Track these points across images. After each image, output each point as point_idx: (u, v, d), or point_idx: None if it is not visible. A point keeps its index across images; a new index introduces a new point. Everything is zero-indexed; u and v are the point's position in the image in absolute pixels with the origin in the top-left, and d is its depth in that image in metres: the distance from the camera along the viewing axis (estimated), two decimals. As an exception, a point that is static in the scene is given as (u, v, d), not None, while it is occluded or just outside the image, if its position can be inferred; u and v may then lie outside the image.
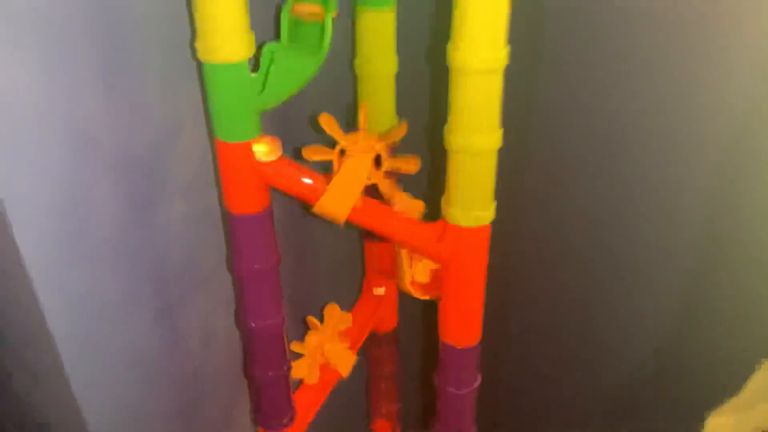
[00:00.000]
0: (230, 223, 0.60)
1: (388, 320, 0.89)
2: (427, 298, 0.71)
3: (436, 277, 0.70)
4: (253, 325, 0.65)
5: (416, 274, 0.70)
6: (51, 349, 0.60)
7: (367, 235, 0.82)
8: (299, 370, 0.78)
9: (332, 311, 0.78)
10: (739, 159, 0.89)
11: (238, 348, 0.79)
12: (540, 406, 1.26)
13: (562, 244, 1.08)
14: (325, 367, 0.79)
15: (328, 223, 0.88)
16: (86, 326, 0.61)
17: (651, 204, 0.97)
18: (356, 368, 1.00)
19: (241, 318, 0.66)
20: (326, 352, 0.78)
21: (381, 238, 0.81)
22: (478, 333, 0.63)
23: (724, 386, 1.03)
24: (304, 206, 0.59)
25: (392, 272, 0.82)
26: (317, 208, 0.57)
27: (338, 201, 0.56)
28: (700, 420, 1.06)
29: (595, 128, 0.96)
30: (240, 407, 0.81)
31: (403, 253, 0.70)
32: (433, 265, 0.69)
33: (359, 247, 0.89)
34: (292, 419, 0.74)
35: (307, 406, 0.78)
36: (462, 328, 0.62)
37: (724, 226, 0.94)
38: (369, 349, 0.92)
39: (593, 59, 0.91)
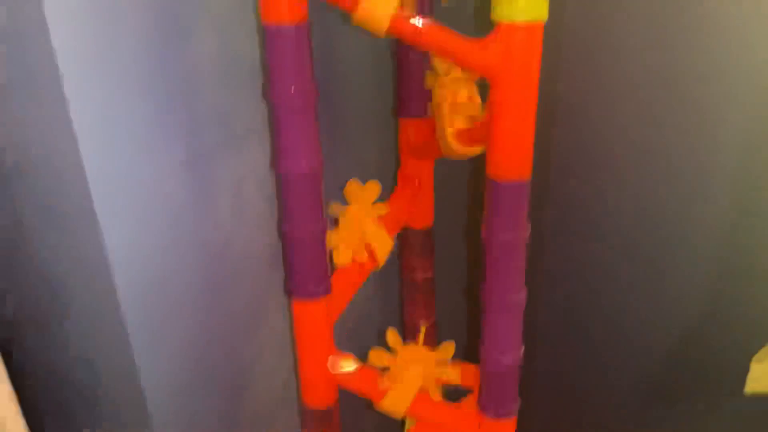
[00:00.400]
0: (266, 39, 0.57)
1: (424, 215, 0.85)
2: (470, 150, 0.68)
3: (479, 125, 0.66)
4: (288, 165, 0.62)
5: (458, 122, 0.67)
6: (78, 176, 0.57)
7: (402, 110, 0.78)
8: (341, 255, 0.74)
9: (353, 186, 0.74)
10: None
11: (270, 228, 0.75)
12: (575, 385, 1.23)
13: (591, 225, 1.08)
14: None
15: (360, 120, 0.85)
16: (114, 156, 0.58)
17: (683, 180, 0.97)
18: (391, 284, 0.96)
19: (276, 160, 0.63)
20: (363, 229, 0.74)
21: (416, 114, 0.78)
22: (529, 163, 0.59)
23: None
24: (345, 16, 0.56)
25: (427, 150, 0.79)
26: (359, 11, 0.54)
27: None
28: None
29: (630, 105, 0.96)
30: (272, 291, 0.77)
31: (444, 106, 0.67)
32: (474, 109, 0.66)
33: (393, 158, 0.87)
34: (327, 291, 0.70)
35: (343, 289, 0.74)
36: (512, 154, 0.58)
37: (755, 197, 0.94)
38: (403, 250, 0.88)
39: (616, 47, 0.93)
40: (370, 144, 0.85)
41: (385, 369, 0.75)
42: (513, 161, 0.59)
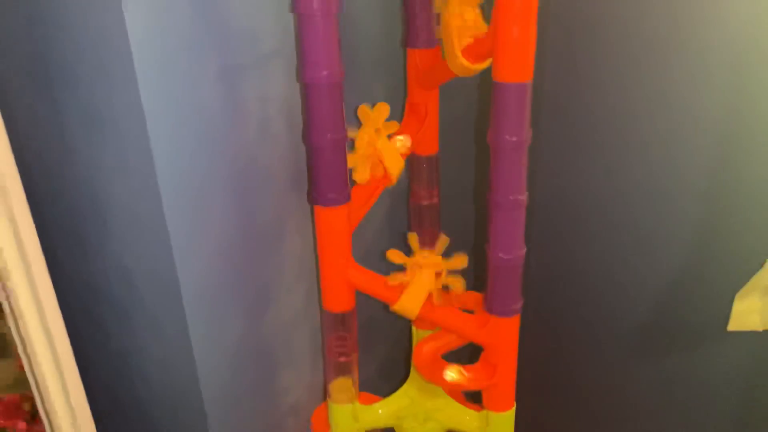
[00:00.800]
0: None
1: (430, 142, 0.91)
2: (477, 66, 0.75)
3: (485, 39, 0.73)
4: (311, 74, 0.68)
5: (465, 39, 0.73)
6: (130, 82, 0.63)
7: (411, 41, 0.85)
8: (359, 173, 0.80)
9: (364, 110, 0.80)
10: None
11: (292, 148, 0.81)
12: (564, 332, 1.29)
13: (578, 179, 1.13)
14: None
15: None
16: (161, 66, 0.64)
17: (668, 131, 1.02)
18: (399, 210, 1.02)
19: (301, 70, 0.69)
20: (377, 147, 0.80)
21: (424, 44, 0.84)
22: (531, 67, 0.66)
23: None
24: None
25: (434, 78, 0.86)
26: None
27: None
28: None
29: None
30: (293, 209, 0.84)
31: (452, 25, 0.74)
32: (479, 27, 0.73)
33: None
34: (346, 199, 0.77)
35: (360, 201, 0.81)
36: (516, 57, 0.65)
37: (738, 144, 0.98)
38: (410, 176, 0.94)
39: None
40: (378, 76, 0.91)
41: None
42: (517, 63, 0.66)
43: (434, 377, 0.85)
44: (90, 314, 0.87)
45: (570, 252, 1.20)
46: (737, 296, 1.07)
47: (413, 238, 0.79)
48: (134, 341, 0.85)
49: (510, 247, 0.75)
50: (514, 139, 0.69)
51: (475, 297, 0.90)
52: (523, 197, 0.73)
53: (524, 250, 0.77)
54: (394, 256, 0.78)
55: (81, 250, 0.81)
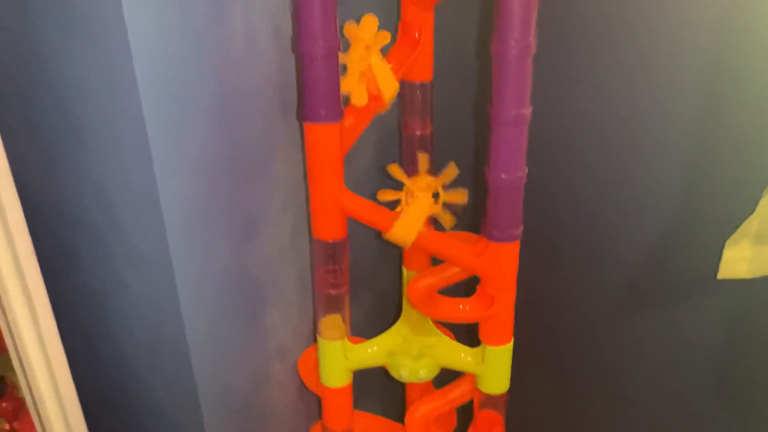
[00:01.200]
0: None
1: (423, 68, 0.87)
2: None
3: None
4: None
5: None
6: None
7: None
8: (347, 83, 0.75)
9: (351, 27, 0.75)
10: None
11: (279, 69, 0.76)
12: (551, 290, 1.26)
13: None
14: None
15: None
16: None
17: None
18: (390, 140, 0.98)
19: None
20: (372, 65, 0.76)
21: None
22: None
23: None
24: None
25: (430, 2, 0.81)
26: None
27: None
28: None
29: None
30: (282, 135, 0.79)
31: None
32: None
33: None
34: (338, 117, 0.72)
35: (352, 124, 0.77)
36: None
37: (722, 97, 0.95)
38: (402, 104, 0.90)
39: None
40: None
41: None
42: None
43: (430, 310, 0.82)
44: (60, 242, 0.81)
45: (555, 204, 1.17)
46: (727, 243, 1.05)
47: (423, 159, 0.75)
48: (111, 272, 0.80)
49: (512, 167, 0.72)
50: (521, 44, 0.65)
51: (469, 237, 0.87)
52: (527, 111, 0.69)
53: (526, 171, 0.73)
54: (395, 171, 0.74)
55: (51, 171, 0.75)
